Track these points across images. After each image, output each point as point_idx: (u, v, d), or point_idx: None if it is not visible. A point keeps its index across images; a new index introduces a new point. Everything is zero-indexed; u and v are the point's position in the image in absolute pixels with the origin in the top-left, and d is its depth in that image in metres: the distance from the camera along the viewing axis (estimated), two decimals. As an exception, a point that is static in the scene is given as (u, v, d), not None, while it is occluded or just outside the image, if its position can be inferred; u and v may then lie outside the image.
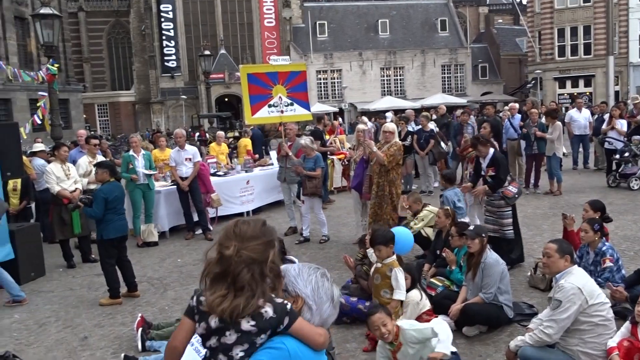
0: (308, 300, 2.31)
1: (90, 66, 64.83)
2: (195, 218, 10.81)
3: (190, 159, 10.71)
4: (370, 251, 5.93)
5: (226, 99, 58.98)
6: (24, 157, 10.08)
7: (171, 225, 11.11)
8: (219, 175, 12.26)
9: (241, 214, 12.32)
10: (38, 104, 14.82)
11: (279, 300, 2.24)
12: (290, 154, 9.99)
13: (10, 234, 8.36)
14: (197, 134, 29.86)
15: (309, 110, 11.06)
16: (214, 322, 2.24)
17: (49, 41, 17.11)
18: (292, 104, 10.54)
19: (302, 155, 9.79)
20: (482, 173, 7.77)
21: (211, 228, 10.90)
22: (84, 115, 47.63)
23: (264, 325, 2.19)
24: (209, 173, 11.37)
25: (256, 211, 12.76)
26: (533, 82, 47.08)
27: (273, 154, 14.77)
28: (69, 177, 9.01)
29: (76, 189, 9.04)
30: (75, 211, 8.73)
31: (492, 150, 7.75)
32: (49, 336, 6.39)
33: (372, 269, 5.74)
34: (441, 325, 4.43)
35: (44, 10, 17.15)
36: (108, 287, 7.38)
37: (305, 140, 9.91)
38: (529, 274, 7.12)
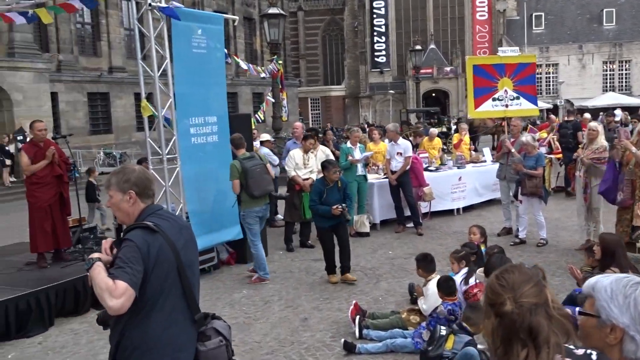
0: (629, 330, 1.88)
1: (306, 62, 68.56)
2: (407, 212, 10.85)
3: (401, 154, 10.76)
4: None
5: (433, 94, 58.66)
6: (255, 147, 10.94)
7: (382, 218, 11.27)
8: (431, 170, 12.17)
9: (451, 211, 12.14)
10: (269, 98, 15.93)
11: (580, 351, 1.88)
12: (512, 150, 9.56)
13: (239, 216, 9.11)
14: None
15: (536, 104, 10.52)
16: None
17: (275, 39, 18.40)
18: (517, 98, 10.10)
19: (522, 153, 9.32)
20: None
21: (422, 222, 10.86)
22: (298, 109, 50.61)
23: None
24: (422, 167, 11.32)
25: (467, 209, 12.47)
26: None
27: (486, 150, 14.32)
28: (306, 166, 9.62)
29: (309, 177, 9.60)
30: (307, 197, 9.30)
31: None
32: (273, 313, 6.85)
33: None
34: None
35: (272, 10, 18.47)
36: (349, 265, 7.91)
37: (527, 137, 9.42)
38: None
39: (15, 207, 16.38)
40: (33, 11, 8.87)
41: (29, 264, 8.02)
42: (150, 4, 7.82)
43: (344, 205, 7.56)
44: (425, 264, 6.03)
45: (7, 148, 21.86)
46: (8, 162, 21.78)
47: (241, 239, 8.97)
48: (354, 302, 6.42)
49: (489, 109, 10.24)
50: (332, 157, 10.07)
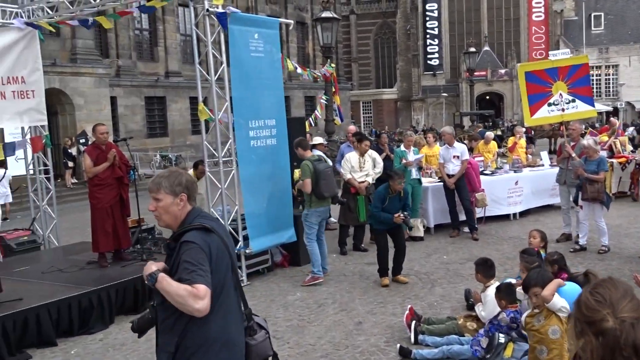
0: None
1: (358, 65, 68.54)
2: (462, 217, 10.69)
3: (457, 157, 10.62)
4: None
5: (487, 97, 57.71)
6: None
7: (437, 222, 11.12)
8: (486, 174, 11.96)
9: (508, 216, 11.90)
10: (323, 101, 15.96)
11: None
12: (573, 155, 9.30)
13: (294, 219, 9.16)
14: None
15: (593, 105, 10.23)
16: None
17: (328, 43, 18.43)
18: (573, 101, 9.85)
19: (583, 157, 9.05)
20: None
21: (477, 227, 10.68)
22: (350, 112, 50.60)
23: None
24: (477, 171, 11.12)
25: (523, 213, 12.19)
26: None
27: (544, 154, 13.99)
28: (362, 169, 9.61)
29: (365, 180, 9.58)
30: (362, 200, 9.31)
31: None
32: (327, 316, 6.85)
33: (523, 320, 4.75)
34: None
35: (325, 14, 18.51)
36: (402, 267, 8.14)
37: (588, 140, 9.14)
38: None
39: (77, 208, 16.96)
40: (94, 18, 9.20)
41: (91, 262, 8.27)
42: (207, 10, 7.96)
43: (405, 213, 7.76)
44: (485, 268, 5.92)
45: (69, 151, 22.63)
46: (70, 164, 22.53)
47: (295, 242, 9.05)
48: (409, 306, 6.36)
49: (546, 114, 10.04)
50: (379, 160, 10.05)
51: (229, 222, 8.19)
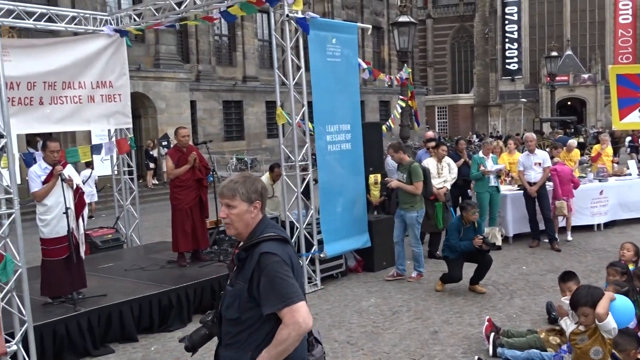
0: None
1: (434, 70, 67.56)
2: (542, 226, 10.33)
3: (539, 164, 10.29)
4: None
5: (569, 102, 55.67)
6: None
7: (515, 232, 10.80)
8: (568, 183, 11.49)
9: (591, 227, 11.41)
10: (399, 106, 15.81)
11: None
12: (664, 164, 8.85)
13: (368, 224, 9.12)
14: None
15: None
16: None
17: (404, 47, 18.25)
18: None
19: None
20: None
21: (557, 238, 10.28)
22: (425, 117, 50.01)
23: None
24: (568, 178, 10.65)
25: (608, 225, 11.65)
26: None
27: (631, 163, 13.35)
28: (440, 175, 9.50)
29: (443, 186, 9.46)
30: (439, 207, 9.19)
31: None
32: (402, 324, 6.75)
33: (568, 335, 4.56)
34: None
35: (402, 19, 18.37)
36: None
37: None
38: None
39: (157, 208, 17.55)
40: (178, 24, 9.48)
41: (170, 262, 8.52)
42: (287, 15, 8.04)
43: (483, 234, 7.76)
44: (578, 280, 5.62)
45: (151, 152, 23.45)
46: (152, 165, 23.34)
47: (369, 247, 9.00)
48: (487, 317, 6.19)
49: (636, 120, 9.68)
50: (453, 165, 9.93)
51: (304, 226, 8.23)
